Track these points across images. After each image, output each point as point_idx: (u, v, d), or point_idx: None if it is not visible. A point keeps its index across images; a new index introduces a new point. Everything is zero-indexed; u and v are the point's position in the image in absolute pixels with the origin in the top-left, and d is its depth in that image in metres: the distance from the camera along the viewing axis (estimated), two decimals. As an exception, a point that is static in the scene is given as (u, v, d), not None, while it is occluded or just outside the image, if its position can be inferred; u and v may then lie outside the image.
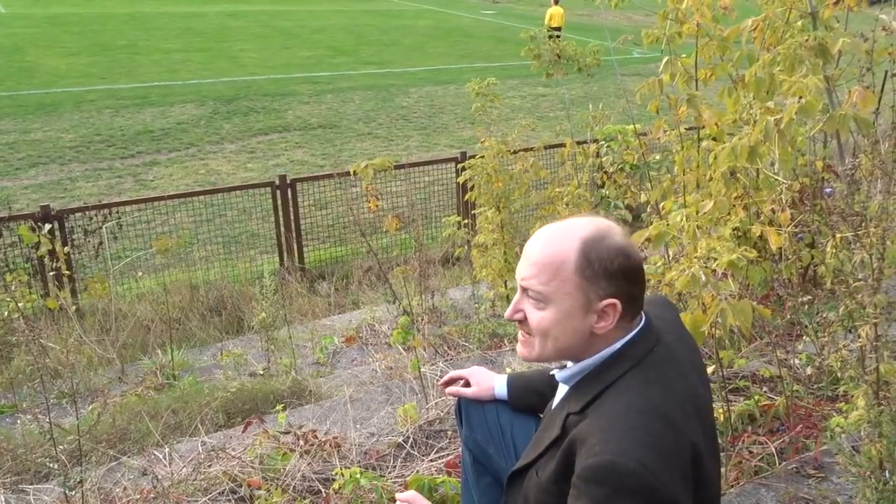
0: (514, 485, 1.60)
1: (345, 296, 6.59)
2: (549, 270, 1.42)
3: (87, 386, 4.42)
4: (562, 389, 1.57)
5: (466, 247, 5.32)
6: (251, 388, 3.79)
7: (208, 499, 2.55)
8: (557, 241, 1.45)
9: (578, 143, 5.45)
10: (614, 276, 1.41)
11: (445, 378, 2.05)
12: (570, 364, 1.52)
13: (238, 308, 6.30)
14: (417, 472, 2.62)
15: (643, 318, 1.49)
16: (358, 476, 2.41)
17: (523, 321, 1.48)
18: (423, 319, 4.59)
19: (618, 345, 1.45)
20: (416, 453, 2.82)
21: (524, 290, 1.47)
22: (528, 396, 1.92)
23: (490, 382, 1.96)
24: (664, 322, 1.56)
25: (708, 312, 2.17)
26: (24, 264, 6.12)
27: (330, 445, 2.81)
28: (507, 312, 1.51)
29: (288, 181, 7.31)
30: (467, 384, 1.99)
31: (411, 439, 2.88)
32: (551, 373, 1.61)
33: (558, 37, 18.08)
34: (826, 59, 2.63)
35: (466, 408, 1.98)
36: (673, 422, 1.35)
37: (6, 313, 5.07)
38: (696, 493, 1.36)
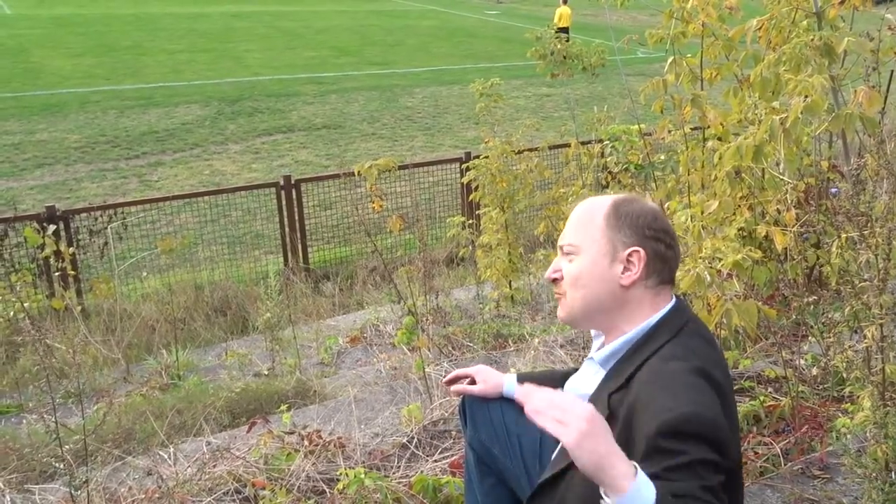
0: (542, 495, 1.57)
1: (349, 296, 6.59)
2: (580, 224, 1.56)
3: (93, 386, 4.43)
4: (593, 372, 1.58)
5: (471, 247, 5.32)
6: (256, 389, 3.79)
7: (213, 499, 2.55)
8: (593, 201, 1.59)
9: (583, 143, 5.45)
10: (640, 228, 1.51)
11: (450, 376, 2.04)
12: (601, 342, 1.56)
13: (243, 308, 6.31)
14: (422, 472, 2.62)
15: (674, 298, 1.54)
16: (362, 476, 2.41)
17: (559, 280, 1.58)
18: (427, 320, 4.59)
19: (654, 318, 1.50)
20: (420, 454, 2.81)
21: (561, 249, 1.58)
22: None
23: (497, 380, 1.95)
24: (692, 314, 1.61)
25: (713, 313, 2.17)
26: (29, 264, 6.13)
27: (334, 445, 2.81)
28: (548, 272, 1.62)
29: (292, 181, 7.32)
30: (472, 382, 1.97)
31: (416, 440, 2.88)
32: (588, 358, 1.64)
33: (566, 39, 18.08)
34: (831, 59, 2.63)
35: (471, 407, 1.96)
36: (719, 386, 1.40)
37: (12, 313, 5.09)
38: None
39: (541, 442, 1.84)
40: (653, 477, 1.25)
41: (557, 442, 1.68)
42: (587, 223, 1.55)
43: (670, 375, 1.38)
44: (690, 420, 1.29)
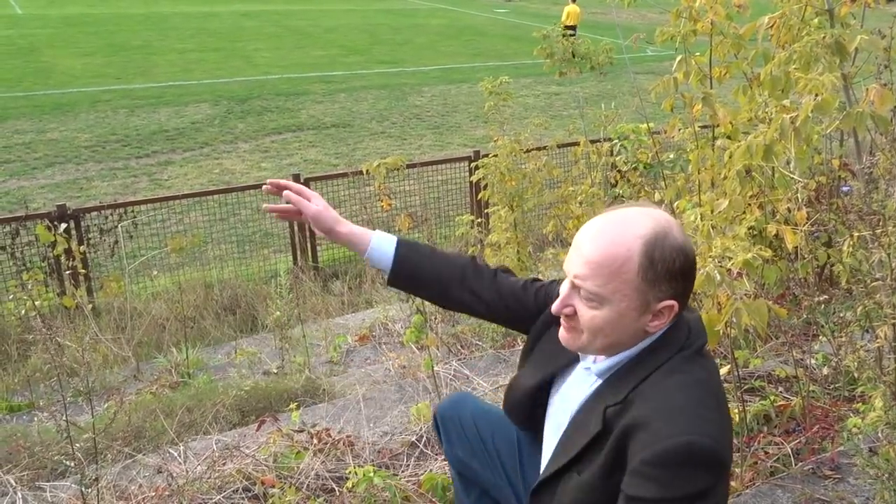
0: (541, 494, 1.53)
1: (358, 294, 6.60)
2: (607, 272, 1.34)
3: (103, 384, 4.45)
4: (586, 381, 1.50)
5: (479, 246, 5.32)
6: (265, 387, 3.80)
7: (222, 497, 2.56)
8: (616, 239, 1.34)
9: (592, 141, 5.44)
10: (675, 277, 1.35)
11: (273, 185, 1.74)
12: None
13: (252, 307, 6.33)
14: (430, 471, 2.62)
15: None
16: (371, 475, 2.41)
17: (572, 315, 1.41)
18: (436, 318, 4.58)
19: (659, 332, 1.41)
20: (429, 452, 2.82)
21: (575, 286, 1.38)
22: (416, 283, 1.74)
23: (338, 219, 1.73)
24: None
25: (723, 312, 2.16)
26: (40, 263, 6.17)
27: (343, 444, 2.81)
28: (555, 306, 1.41)
29: (302, 180, 7.33)
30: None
31: (424, 438, 2.88)
32: (584, 368, 1.52)
33: (573, 35, 18.07)
34: (842, 57, 2.61)
35: (444, 422, 1.91)
36: (716, 391, 1.38)
37: (23, 312, 5.12)
38: None
39: (519, 450, 1.81)
40: (631, 500, 1.29)
41: (535, 448, 1.67)
42: (615, 273, 1.33)
43: (671, 395, 1.32)
44: (684, 449, 1.26)
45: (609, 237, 1.35)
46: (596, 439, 1.39)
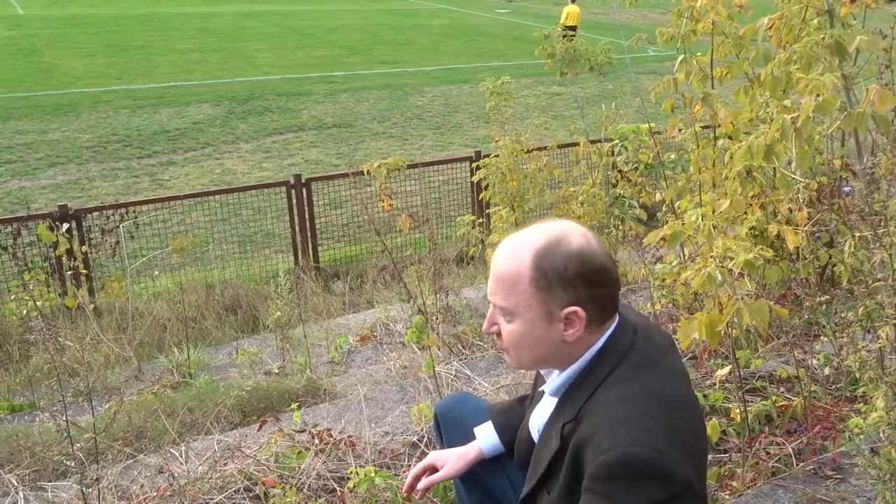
0: None
1: (359, 295, 6.60)
2: (508, 285, 1.43)
3: (104, 384, 4.45)
4: (549, 402, 1.54)
5: (481, 246, 5.32)
6: (266, 387, 3.80)
7: (224, 497, 2.56)
8: (512, 255, 1.44)
9: (593, 142, 5.44)
10: (571, 282, 1.39)
11: (407, 485, 1.88)
12: (555, 374, 1.51)
13: (253, 307, 6.33)
14: (432, 471, 2.62)
15: (617, 316, 1.47)
16: (373, 475, 2.41)
17: (499, 335, 1.49)
18: (437, 318, 4.59)
19: (598, 345, 1.44)
20: (430, 452, 2.81)
21: (495, 306, 1.48)
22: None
23: (461, 453, 1.84)
24: (640, 317, 1.55)
25: (724, 312, 2.16)
26: (42, 263, 6.18)
27: (345, 444, 2.81)
28: (484, 326, 1.52)
29: (303, 180, 7.34)
30: (434, 470, 1.85)
31: (426, 438, 2.88)
32: (540, 389, 1.59)
33: (573, 36, 18.06)
34: (843, 57, 2.61)
35: (444, 422, 1.92)
36: (668, 400, 1.36)
37: (25, 312, 5.12)
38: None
39: None
40: None
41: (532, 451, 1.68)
42: (513, 286, 1.42)
43: (613, 407, 1.34)
44: (621, 461, 1.27)
45: (507, 254, 1.45)
46: (556, 457, 1.43)
